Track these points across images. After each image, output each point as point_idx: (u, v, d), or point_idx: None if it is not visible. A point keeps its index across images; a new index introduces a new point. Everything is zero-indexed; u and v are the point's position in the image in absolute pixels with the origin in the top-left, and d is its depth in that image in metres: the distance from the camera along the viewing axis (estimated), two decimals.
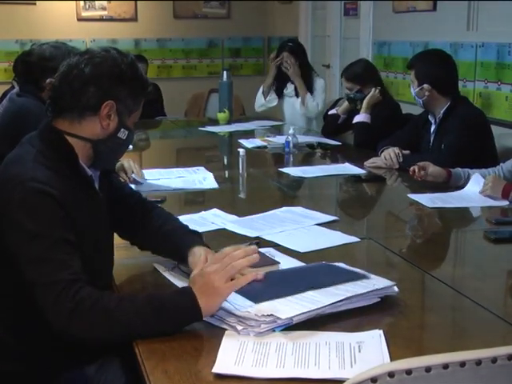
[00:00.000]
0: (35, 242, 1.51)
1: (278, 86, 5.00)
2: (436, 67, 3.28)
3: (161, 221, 1.90)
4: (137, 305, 1.48)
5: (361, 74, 3.99)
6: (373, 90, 3.90)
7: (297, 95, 4.88)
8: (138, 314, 1.46)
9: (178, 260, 1.80)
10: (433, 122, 3.33)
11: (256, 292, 1.55)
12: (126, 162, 2.97)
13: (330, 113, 4.30)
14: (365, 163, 3.30)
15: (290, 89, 4.96)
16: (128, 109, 1.71)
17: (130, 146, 3.48)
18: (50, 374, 1.66)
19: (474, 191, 2.65)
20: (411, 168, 2.89)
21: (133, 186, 2.86)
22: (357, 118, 3.91)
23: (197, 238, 1.84)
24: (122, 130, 1.71)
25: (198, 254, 1.74)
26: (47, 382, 1.66)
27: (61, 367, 1.66)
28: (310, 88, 4.84)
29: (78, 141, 1.67)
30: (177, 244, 1.81)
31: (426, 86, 3.21)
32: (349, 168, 3.28)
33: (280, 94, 5.01)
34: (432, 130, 3.33)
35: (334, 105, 4.36)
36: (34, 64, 2.93)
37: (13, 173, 1.59)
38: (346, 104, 4.12)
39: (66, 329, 1.47)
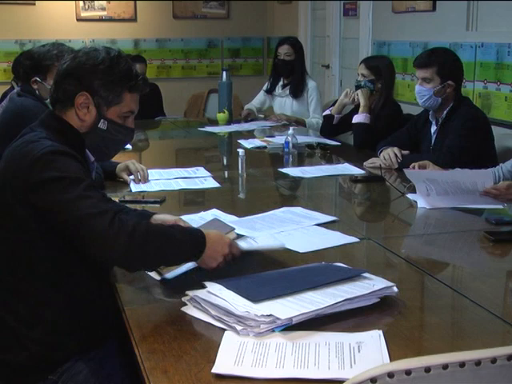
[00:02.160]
0: (72, 185, 1.60)
1: (272, 83, 5.03)
2: (456, 63, 3.25)
3: None
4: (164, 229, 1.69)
5: (380, 68, 3.97)
6: (360, 91, 3.89)
7: (293, 95, 4.90)
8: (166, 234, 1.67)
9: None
10: (433, 122, 3.31)
11: (255, 292, 1.55)
12: (131, 163, 2.93)
13: (324, 113, 4.31)
14: (364, 163, 3.30)
15: (279, 90, 5.01)
16: (104, 100, 1.78)
17: (129, 146, 3.48)
18: (51, 365, 1.66)
19: (481, 184, 2.53)
20: (411, 166, 2.90)
21: (133, 186, 2.87)
22: (356, 119, 3.90)
23: None
24: (102, 120, 1.79)
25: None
26: (47, 373, 1.66)
27: (61, 357, 1.67)
28: (301, 89, 4.89)
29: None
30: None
31: (450, 82, 3.16)
32: (348, 168, 3.28)
33: (272, 92, 5.05)
34: (433, 130, 3.31)
35: (332, 106, 4.36)
36: (21, 63, 3.15)
37: (29, 149, 1.65)
38: (338, 103, 4.13)
39: (126, 250, 1.55)
